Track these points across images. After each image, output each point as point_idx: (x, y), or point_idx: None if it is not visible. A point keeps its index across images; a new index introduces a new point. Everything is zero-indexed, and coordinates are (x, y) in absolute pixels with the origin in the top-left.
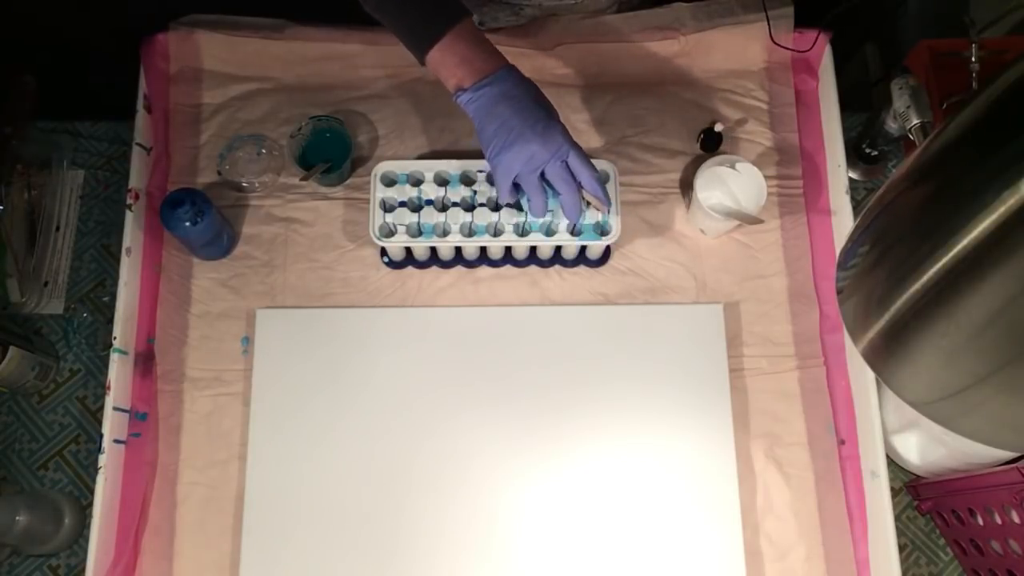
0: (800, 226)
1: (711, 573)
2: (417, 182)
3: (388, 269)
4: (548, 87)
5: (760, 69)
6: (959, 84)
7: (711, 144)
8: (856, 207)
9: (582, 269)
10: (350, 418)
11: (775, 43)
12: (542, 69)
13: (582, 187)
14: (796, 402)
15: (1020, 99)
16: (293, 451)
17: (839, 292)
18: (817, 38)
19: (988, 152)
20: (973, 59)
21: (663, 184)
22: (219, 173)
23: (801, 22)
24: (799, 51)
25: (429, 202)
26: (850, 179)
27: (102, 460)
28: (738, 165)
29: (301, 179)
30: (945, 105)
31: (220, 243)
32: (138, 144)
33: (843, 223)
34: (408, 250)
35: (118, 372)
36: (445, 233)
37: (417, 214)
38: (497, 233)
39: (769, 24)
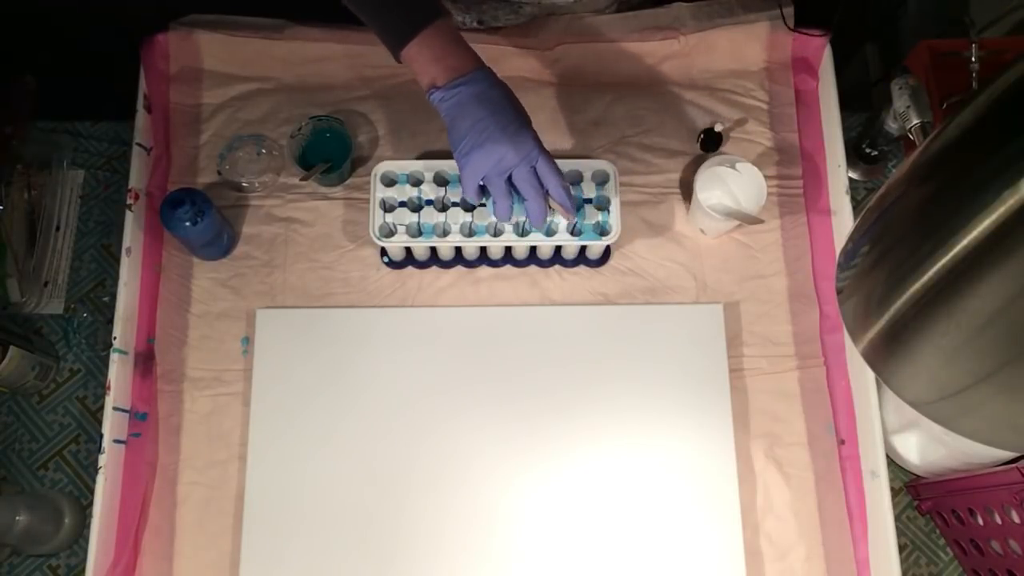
0: (800, 226)
1: (711, 573)
2: (417, 182)
3: (388, 269)
4: (548, 87)
5: (760, 69)
6: (959, 84)
7: (711, 144)
8: (856, 207)
9: (582, 269)
10: (350, 418)
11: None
12: (542, 69)
13: (549, 194)
14: (796, 402)
15: (1020, 99)
16: (293, 451)
17: (839, 292)
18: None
19: (988, 152)
20: (973, 59)
21: (663, 184)
22: (219, 173)
23: (801, 22)
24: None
25: (429, 202)
26: (850, 179)
27: (102, 460)
28: (738, 165)
29: (301, 179)
30: (945, 105)
31: (220, 243)
32: (138, 144)
33: (843, 223)
34: (408, 250)
35: (118, 372)
36: (445, 233)
37: (417, 214)
38: (497, 233)
39: (783, 13)
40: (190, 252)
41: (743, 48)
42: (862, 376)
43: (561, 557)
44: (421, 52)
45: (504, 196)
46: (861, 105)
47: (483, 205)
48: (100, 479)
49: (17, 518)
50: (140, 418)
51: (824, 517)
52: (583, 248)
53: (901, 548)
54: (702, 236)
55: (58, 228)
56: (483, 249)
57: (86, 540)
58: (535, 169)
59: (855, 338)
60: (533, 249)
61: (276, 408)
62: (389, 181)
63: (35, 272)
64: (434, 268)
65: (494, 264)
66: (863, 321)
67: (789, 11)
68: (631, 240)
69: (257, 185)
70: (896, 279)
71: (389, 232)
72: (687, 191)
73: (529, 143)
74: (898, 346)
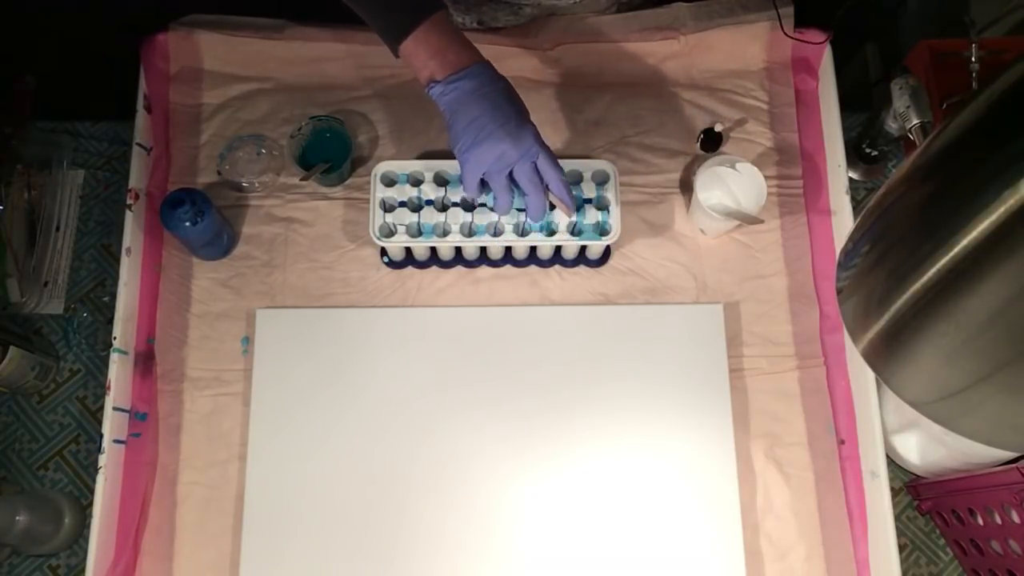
0: (800, 226)
1: (711, 573)
2: (417, 182)
3: (388, 269)
4: (548, 87)
5: (760, 69)
6: (959, 84)
7: (711, 144)
8: (856, 207)
9: (582, 269)
10: (350, 418)
11: (787, 35)
12: (542, 69)
13: (549, 190)
14: (796, 402)
15: (1020, 99)
16: (293, 451)
17: (839, 292)
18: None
19: (988, 152)
20: (973, 59)
21: (663, 184)
22: (219, 173)
23: (801, 22)
24: (812, 42)
25: (429, 202)
26: (850, 179)
27: (102, 460)
28: (738, 165)
29: (301, 179)
30: (945, 105)
31: (220, 243)
32: (138, 144)
33: (843, 223)
34: (408, 250)
35: (118, 372)
36: (445, 233)
37: (417, 214)
38: (497, 233)
39: (779, 17)
40: (190, 252)
41: (743, 48)
42: (862, 376)
43: (561, 557)
44: (419, 46)
45: (505, 192)
46: (861, 105)
47: (483, 204)
48: (100, 479)
49: (17, 518)
50: (140, 418)
51: (824, 517)
52: (583, 248)
53: (901, 548)
54: (702, 236)
55: (58, 228)
56: (483, 249)
57: (86, 540)
58: (536, 165)
59: (855, 338)
60: (533, 249)
61: (276, 408)
62: (389, 181)
63: (35, 272)
64: (434, 268)
65: (494, 264)
66: (863, 321)
67: (789, 11)
68: (631, 240)
69: (257, 185)
70: (896, 279)
71: (389, 232)
72: (687, 191)
73: (530, 139)
74: (898, 346)
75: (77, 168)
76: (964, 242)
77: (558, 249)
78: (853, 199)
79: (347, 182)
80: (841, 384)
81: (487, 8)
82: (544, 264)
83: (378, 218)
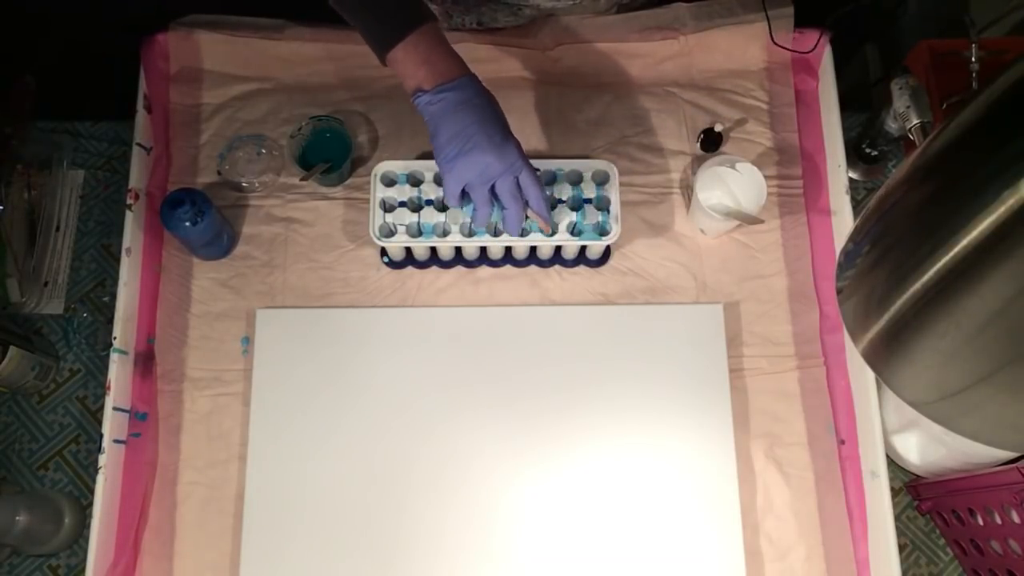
0: (800, 226)
1: (711, 573)
2: (417, 182)
3: (388, 269)
4: (548, 87)
5: (760, 69)
6: (959, 84)
7: (711, 144)
8: (856, 207)
9: (582, 269)
10: (350, 418)
11: (776, 44)
12: (542, 69)
13: (528, 206)
14: (796, 402)
15: (1020, 99)
16: (293, 451)
17: (839, 292)
18: (819, 40)
19: (988, 152)
20: (973, 59)
21: (663, 184)
22: (219, 173)
23: (801, 22)
24: (800, 52)
25: (429, 202)
26: (850, 179)
27: (102, 460)
28: (738, 165)
29: (301, 179)
30: (945, 105)
31: (220, 243)
32: (138, 144)
33: (843, 223)
34: (408, 250)
35: (118, 372)
36: (445, 233)
37: (417, 214)
38: (497, 233)
39: (769, 25)
40: (190, 252)
41: (743, 48)
42: (862, 376)
43: (561, 557)
44: (408, 56)
45: (485, 204)
46: (861, 105)
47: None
48: (100, 479)
49: (17, 518)
50: (140, 418)
51: (824, 517)
52: (583, 248)
53: (901, 548)
54: (702, 236)
55: (58, 228)
56: (483, 249)
57: (86, 540)
58: (518, 180)
59: (855, 338)
60: (533, 249)
61: (276, 408)
62: (389, 181)
63: (35, 272)
64: (434, 268)
65: (494, 264)
66: (863, 321)
67: (789, 11)
68: (631, 240)
69: (257, 185)
70: (896, 279)
71: (389, 232)
72: (687, 191)
73: (514, 154)
74: (898, 346)
75: (77, 168)
76: (964, 242)
77: (558, 249)
78: (853, 199)
79: (347, 182)
80: (841, 384)
81: (487, 9)
82: (544, 264)
83: (378, 218)
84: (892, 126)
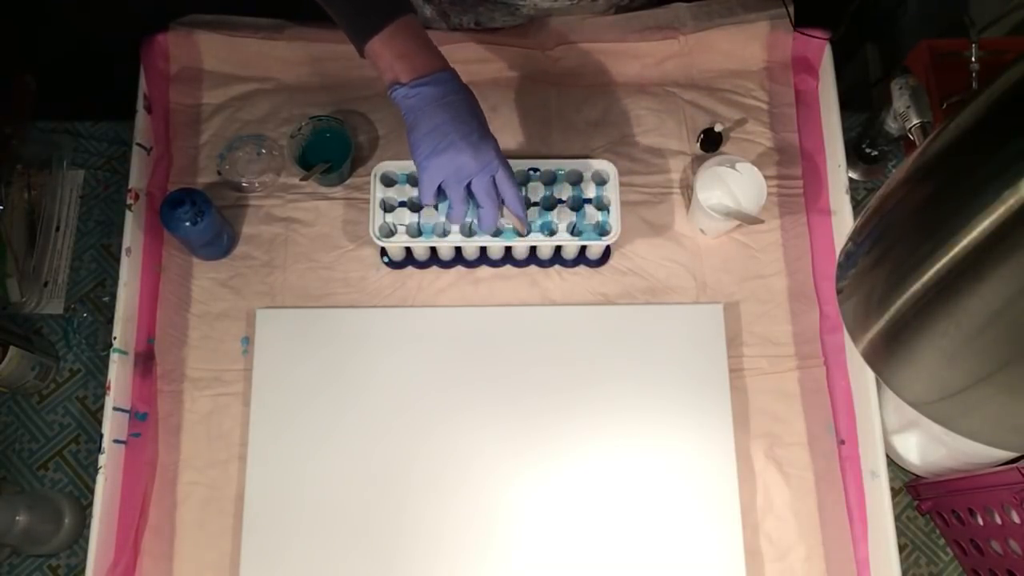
0: (800, 226)
1: (711, 573)
2: (417, 182)
3: (388, 269)
4: (548, 87)
5: (760, 69)
6: (959, 84)
7: (711, 144)
8: (856, 207)
9: (582, 269)
10: (350, 418)
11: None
12: (542, 69)
13: (504, 204)
14: (796, 402)
15: (1020, 100)
16: (293, 451)
17: (839, 292)
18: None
19: (988, 152)
20: (973, 59)
21: (663, 184)
22: (219, 173)
23: (802, 22)
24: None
25: None
26: (850, 179)
27: (102, 460)
28: (738, 165)
29: (301, 179)
30: (945, 105)
31: (220, 243)
32: (138, 144)
33: (843, 223)
34: (408, 250)
35: (118, 372)
36: (445, 233)
37: (417, 214)
38: (497, 233)
39: (789, 13)
40: (190, 252)
41: (743, 48)
42: (862, 376)
43: (561, 557)
44: (385, 48)
45: (460, 202)
46: (861, 105)
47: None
48: (100, 479)
49: (17, 518)
50: (140, 418)
51: (824, 517)
52: (583, 248)
53: (901, 548)
54: (702, 236)
55: (58, 228)
56: (483, 249)
57: (86, 540)
58: (494, 179)
59: (855, 338)
60: (533, 249)
61: (276, 408)
62: (389, 181)
63: (35, 272)
64: (434, 268)
65: (494, 264)
66: (863, 321)
67: (789, 11)
68: (631, 240)
69: (257, 185)
70: (896, 279)
71: (389, 232)
72: (687, 191)
73: (490, 153)
74: (898, 346)
75: (77, 168)
76: (964, 242)
77: (558, 249)
78: (853, 199)
79: (347, 182)
80: (841, 384)
81: (484, 8)
82: (544, 264)
83: (378, 218)
84: (892, 126)
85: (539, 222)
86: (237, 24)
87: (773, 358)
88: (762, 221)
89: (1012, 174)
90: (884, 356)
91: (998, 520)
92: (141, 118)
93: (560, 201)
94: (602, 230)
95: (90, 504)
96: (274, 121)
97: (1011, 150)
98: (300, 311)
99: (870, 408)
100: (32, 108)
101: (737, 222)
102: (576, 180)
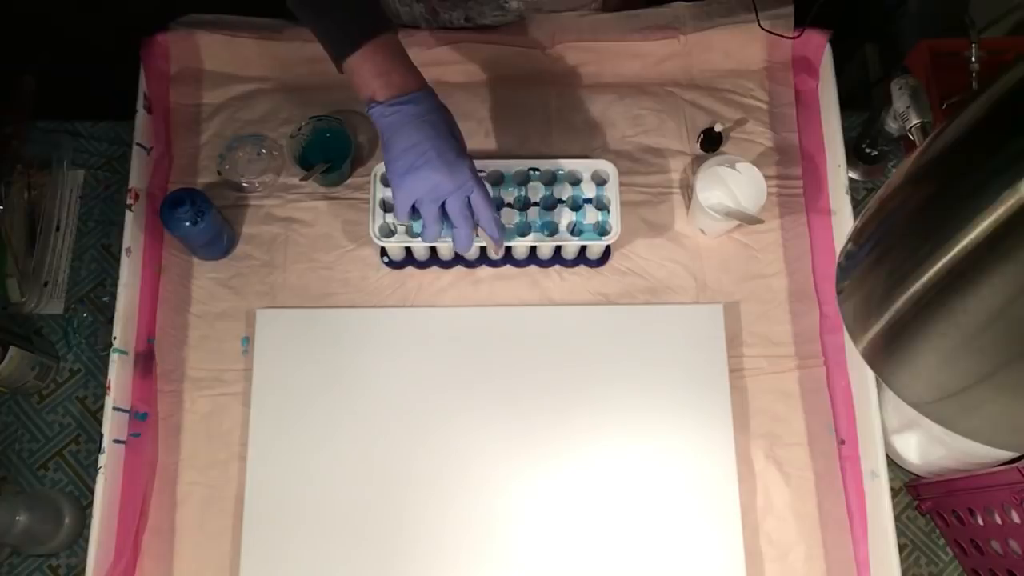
0: (800, 226)
1: (711, 573)
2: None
3: (388, 269)
4: (548, 87)
5: (760, 69)
6: (959, 84)
7: (711, 144)
8: (856, 207)
9: (582, 269)
10: (350, 418)
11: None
12: (542, 69)
13: (479, 225)
14: (796, 402)
15: (1021, 101)
16: (293, 451)
17: (839, 292)
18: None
19: (988, 152)
20: (973, 59)
21: (663, 184)
22: (219, 173)
23: (801, 22)
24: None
25: None
26: (850, 179)
27: (102, 460)
28: (738, 165)
29: (301, 179)
30: (945, 105)
31: (220, 243)
32: (138, 144)
33: (843, 223)
34: (408, 250)
35: (118, 372)
36: None
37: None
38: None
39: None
40: (190, 252)
41: (743, 48)
42: (862, 376)
43: (561, 557)
44: (364, 64)
45: (434, 222)
46: (861, 105)
47: (416, 235)
48: (100, 479)
49: (17, 518)
50: (140, 418)
51: (824, 517)
52: (583, 248)
53: (901, 548)
54: (702, 236)
55: (58, 228)
56: (483, 249)
57: (86, 540)
58: (469, 199)
59: (855, 338)
60: (533, 249)
61: (276, 408)
62: (389, 181)
63: (35, 272)
64: (434, 268)
65: (494, 264)
66: (863, 321)
67: (789, 10)
68: (631, 240)
69: (257, 185)
70: (896, 279)
71: (389, 232)
72: (687, 191)
73: (465, 173)
74: (898, 346)
75: (77, 168)
76: (964, 242)
77: (558, 249)
78: (853, 199)
79: (347, 182)
80: (841, 384)
81: (473, 4)
82: (544, 264)
83: (378, 218)
84: (892, 126)
85: (539, 222)
86: (237, 24)
87: (773, 358)
88: (762, 221)
89: (1012, 175)
90: (884, 356)
91: (998, 520)
92: (141, 118)
93: (560, 201)
94: (602, 230)
95: (90, 504)
96: (274, 121)
97: (1011, 151)
98: (300, 311)
99: (870, 408)
100: (32, 108)
101: (737, 222)
102: (576, 180)
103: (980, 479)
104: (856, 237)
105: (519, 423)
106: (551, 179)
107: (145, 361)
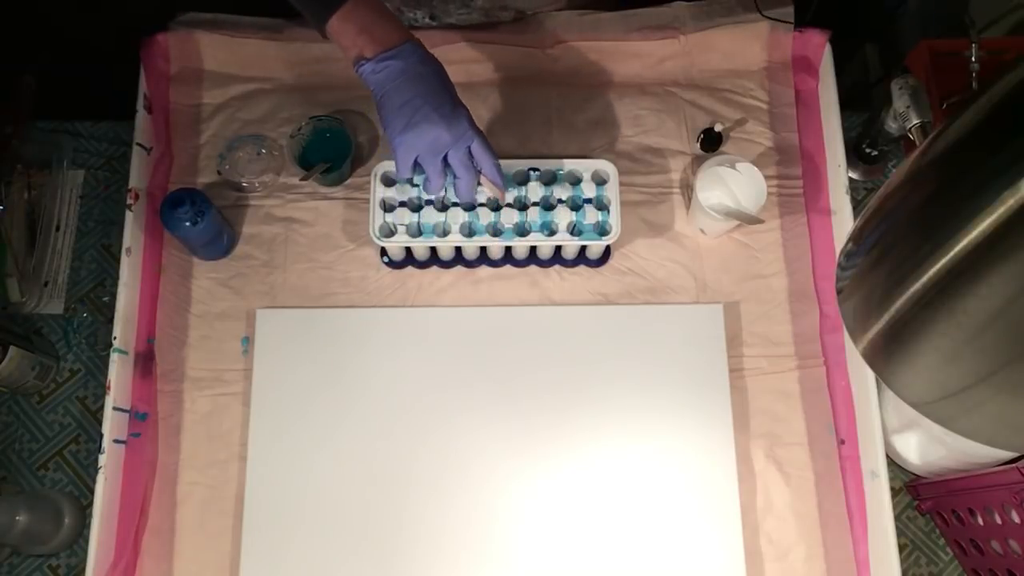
0: (800, 226)
1: (711, 573)
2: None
3: (388, 269)
4: (548, 87)
5: (760, 69)
6: (959, 84)
7: (711, 144)
8: (856, 207)
9: (582, 269)
10: (350, 418)
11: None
12: (541, 69)
13: (481, 173)
14: (796, 402)
15: (1021, 101)
16: (293, 451)
17: (839, 292)
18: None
19: (988, 152)
20: (973, 59)
21: (663, 184)
22: (219, 173)
23: (801, 22)
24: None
25: (429, 202)
26: (850, 179)
27: (102, 460)
28: (738, 165)
29: (301, 179)
30: (945, 105)
31: (220, 243)
32: (138, 144)
33: (843, 223)
34: (408, 250)
35: (118, 372)
36: (445, 233)
37: (417, 214)
38: (497, 233)
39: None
40: (190, 252)
41: (743, 48)
42: (862, 376)
43: (561, 557)
44: (347, 24)
45: (438, 175)
46: (861, 105)
47: (415, 185)
48: (100, 479)
49: (17, 518)
50: (140, 418)
51: (824, 517)
52: (583, 248)
53: (901, 548)
54: (702, 236)
55: (58, 228)
56: (483, 249)
57: (86, 540)
58: (470, 149)
59: (855, 338)
60: (533, 249)
61: (276, 408)
62: (389, 181)
63: (35, 272)
64: (434, 268)
65: (494, 264)
66: (863, 321)
67: (789, 10)
68: (631, 240)
69: (257, 185)
70: (896, 279)
71: (389, 232)
72: (687, 191)
73: (464, 123)
74: (898, 346)
75: (77, 168)
76: (964, 242)
77: (558, 249)
78: (853, 199)
79: (347, 182)
80: (841, 384)
81: (438, 3)
82: (544, 264)
83: (378, 218)
84: (892, 126)
85: (539, 222)
86: (237, 24)
87: (773, 358)
88: (762, 221)
89: (1012, 175)
90: (884, 356)
91: (998, 520)
92: (141, 118)
93: (560, 201)
94: (602, 230)
95: (90, 504)
96: (274, 121)
97: (1011, 151)
98: (300, 311)
99: (870, 408)
100: (32, 108)
101: (737, 222)
102: (576, 180)
103: (980, 479)
104: (856, 237)
105: (519, 423)
106: (551, 179)
107: (145, 361)
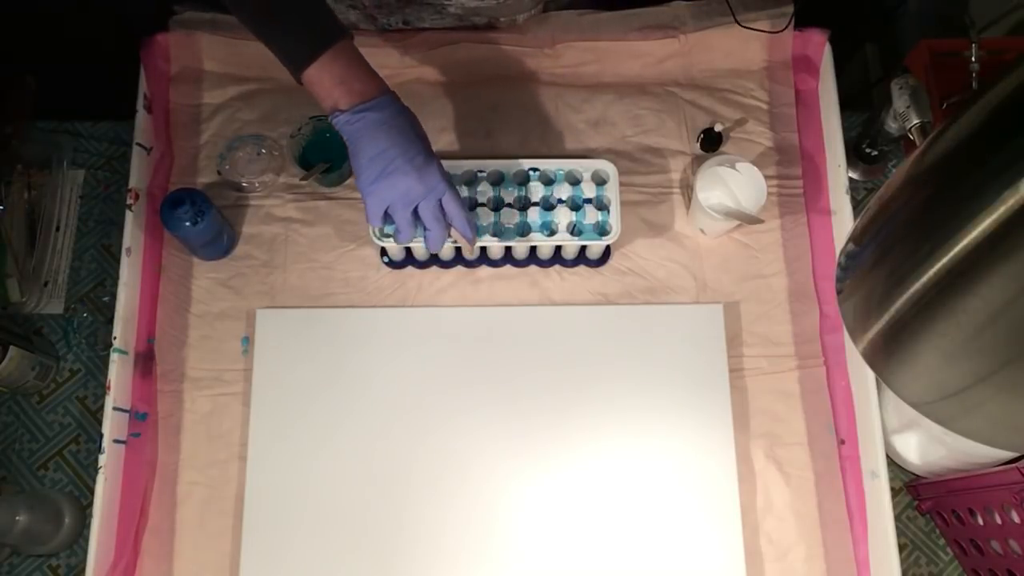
0: (800, 226)
1: (711, 573)
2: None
3: (388, 269)
4: (548, 87)
5: (760, 69)
6: (959, 84)
7: (711, 144)
8: (856, 207)
9: (582, 269)
10: (350, 418)
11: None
12: (541, 69)
13: (452, 226)
14: (796, 402)
15: (1021, 102)
16: (293, 451)
17: (839, 292)
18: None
19: (988, 153)
20: (973, 59)
21: (663, 184)
22: (219, 173)
23: (802, 22)
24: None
25: None
26: (850, 179)
27: (102, 460)
28: (738, 165)
29: (301, 179)
30: (945, 105)
31: (220, 243)
32: (138, 144)
33: (843, 223)
34: (408, 250)
35: (118, 372)
36: None
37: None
38: (497, 233)
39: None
40: (190, 252)
41: (743, 48)
42: (862, 376)
43: (561, 557)
44: (324, 74)
45: (408, 226)
46: (861, 105)
47: (389, 237)
48: (100, 479)
49: (17, 518)
50: (140, 418)
51: (824, 517)
52: (583, 248)
53: (901, 548)
54: (702, 236)
55: (58, 228)
56: (483, 249)
57: (86, 540)
58: (440, 202)
59: (855, 338)
60: (533, 249)
61: (276, 408)
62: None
63: (35, 272)
64: (434, 268)
65: (494, 264)
66: (863, 321)
67: (789, 10)
68: (631, 240)
69: (257, 185)
70: (896, 279)
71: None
72: (687, 191)
73: (435, 176)
74: (898, 346)
75: (77, 168)
76: (964, 242)
77: (558, 249)
78: (853, 199)
79: (347, 182)
80: (841, 384)
81: (411, 9)
82: (544, 264)
83: None
84: (892, 126)
85: (539, 222)
86: (237, 24)
87: (773, 358)
88: (762, 221)
89: (1012, 175)
90: (884, 356)
91: (998, 520)
92: (141, 118)
93: (560, 201)
94: (602, 230)
95: (90, 504)
96: (274, 121)
97: (1011, 151)
98: (300, 311)
99: (870, 408)
100: (32, 108)
101: (737, 222)
102: (576, 180)
103: (980, 479)
104: (856, 237)
105: (519, 423)
106: (551, 179)
107: (145, 361)
